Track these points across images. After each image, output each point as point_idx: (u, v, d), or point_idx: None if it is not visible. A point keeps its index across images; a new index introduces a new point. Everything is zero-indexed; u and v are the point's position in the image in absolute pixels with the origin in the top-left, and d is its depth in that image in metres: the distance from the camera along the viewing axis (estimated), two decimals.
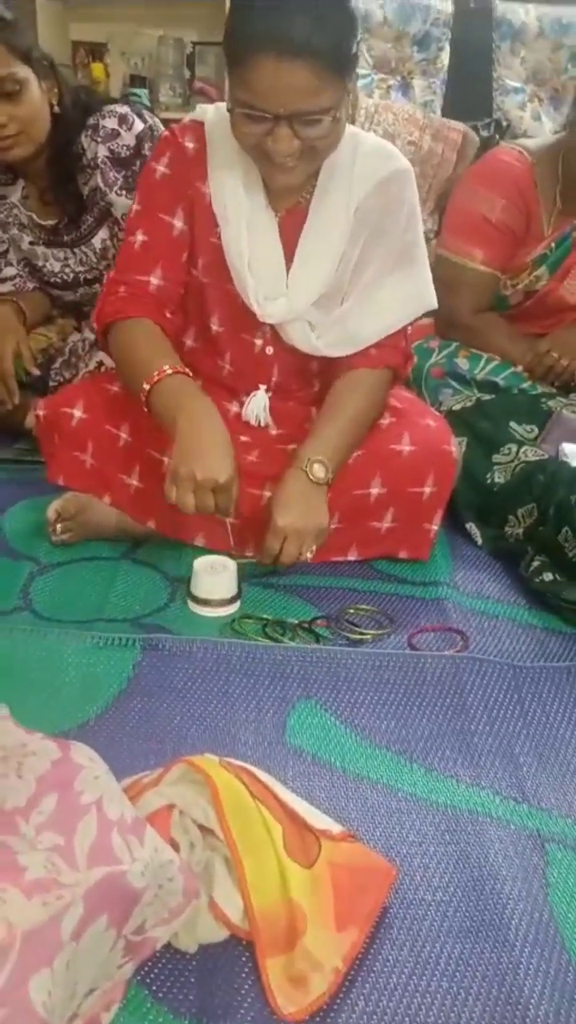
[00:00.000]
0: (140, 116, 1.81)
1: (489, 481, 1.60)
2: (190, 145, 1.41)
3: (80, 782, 0.80)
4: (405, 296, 1.45)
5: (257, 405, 1.53)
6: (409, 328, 1.50)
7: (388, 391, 1.50)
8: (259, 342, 1.51)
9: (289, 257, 1.43)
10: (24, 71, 1.66)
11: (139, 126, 1.78)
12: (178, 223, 1.44)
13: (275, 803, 0.95)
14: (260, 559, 1.40)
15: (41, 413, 1.54)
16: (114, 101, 1.85)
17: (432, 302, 1.48)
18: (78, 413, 1.51)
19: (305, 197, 1.41)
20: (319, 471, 1.36)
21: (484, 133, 2.95)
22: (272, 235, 1.41)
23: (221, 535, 1.45)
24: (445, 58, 3.05)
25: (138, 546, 1.57)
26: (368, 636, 1.36)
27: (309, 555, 1.38)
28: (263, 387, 1.54)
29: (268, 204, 1.41)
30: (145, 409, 1.35)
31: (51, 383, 1.92)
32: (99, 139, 1.76)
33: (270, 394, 1.54)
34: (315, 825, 0.95)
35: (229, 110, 1.25)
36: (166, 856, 0.80)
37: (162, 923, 0.81)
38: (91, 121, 1.77)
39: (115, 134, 1.76)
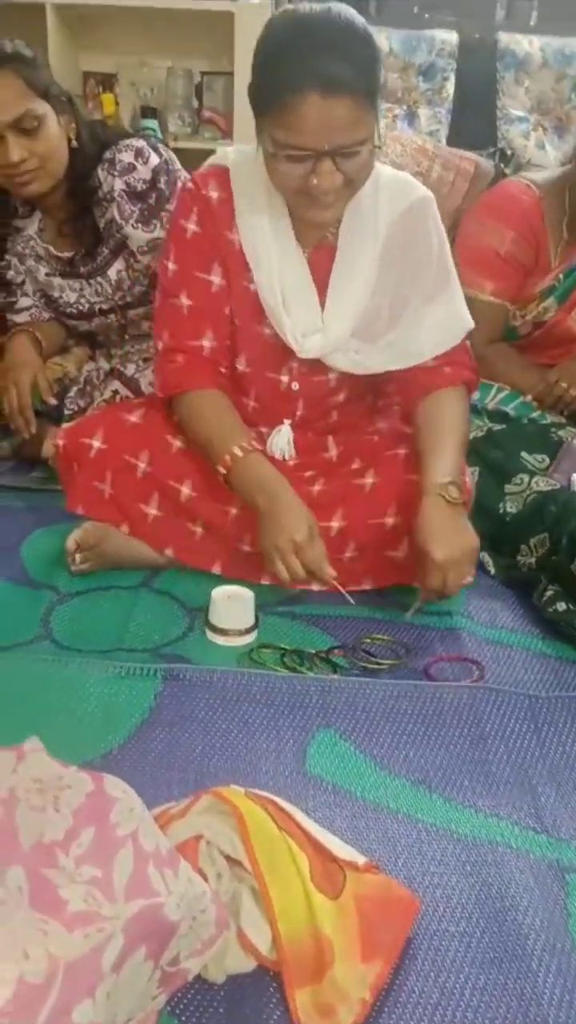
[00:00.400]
0: (155, 150, 1.85)
1: (501, 511, 1.62)
2: (214, 195, 1.44)
3: (115, 815, 0.81)
4: (447, 316, 1.49)
5: (282, 439, 1.55)
6: (468, 342, 1.54)
7: (468, 406, 1.54)
8: (285, 379, 1.54)
9: (321, 292, 1.46)
10: (43, 107, 1.70)
11: (154, 160, 1.82)
12: (216, 279, 1.46)
13: (300, 834, 0.97)
14: (424, 596, 1.41)
15: (61, 442, 1.57)
16: (130, 135, 1.89)
17: (468, 321, 1.52)
18: (97, 443, 1.53)
19: (332, 232, 1.45)
20: (454, 491, 1.39)
21: (489, 162, 2.99)
22: (303, 273, 1.45)
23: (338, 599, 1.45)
24: (450, 88, 3.11)
25: (156, 575, 1.60)
26: (384, 666, 1.38)
27: (470, 579, 1.38)
28: (287, 422, 1.56)
29: (297, 242, 1.44)
30: (225, 486, 1.44)
31: (66, 412, 1.95)
32: (115, 173, 1.79)
33: (294, 429, 1.56)
34: (340, 856, 0.97)
35: (271, 154, 1.27)
36: (199, 888, 0.82)
37: (195, 954, 0.82)
38: (107, 155, 1.80)
39: (131, 168, 1.79)
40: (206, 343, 1.48)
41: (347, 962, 0.88)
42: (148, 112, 3.03)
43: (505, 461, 1.67)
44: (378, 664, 1.38)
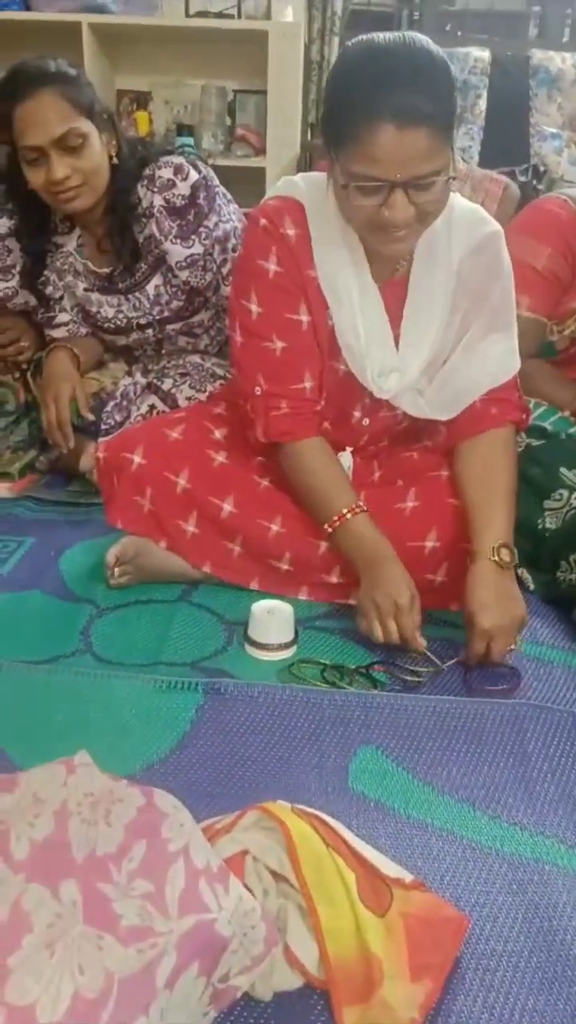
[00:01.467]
0: (195, 166, 1.87)
1: (540, 527, 1.61)
2: (291, 232, 1.41)
3: (166, 830, 0.81)
4: (504, 352, 1.48)
5: (343, 465, 1.54)
6: (518, 380, 1.52)
7: (516, 446, 1.53)
8: (357, 415, 1.54)
9: (392, 327, 1.45)
10: (86, 125, 1.73)
11: (194, 176, 1.84)
12: (304, 317, 1.44)
13: (347, 851, 0.96)
14: (467, 659, 1.39)
15: (102, 455, 1.58)
16: (170, 152, 1.91)
17: (518, 363, 1.51)
18: (138, 459, 1.54)
19: (403, 265, 1.43)
20: (506, 555, 1.39)
21: (522, 178, 3.00)
22: (379, 310, 1.44)
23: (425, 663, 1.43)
24: (483, 105, 3.13)
25: (194, 589, 1.60)
26: (421, 676, 1.37)
27: (515, 646, 1.39)
28: (350, 450, 1.56)
29: (373, 282, 1.43)
30: (329, 541, 1.47)
31: (103, 427, 1.96)
32: (155, 189, 1.81)
33: (356, 457, 1.57)
34: (387, 873, 0.96)
35: (343, 186, 1.26)
36: (249, 904, 0.82)
37: (245, 971, 0.82)
38: (147, 172, 1.83)
39: (170, 184, 1.82)
40: (307, 384, 1.46)
41: (396, 981, 0.87)
42: (184, 129, 3.07)
43: (544, 477, 1.66)
44: (416, 674, 1.37)
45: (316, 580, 1.53)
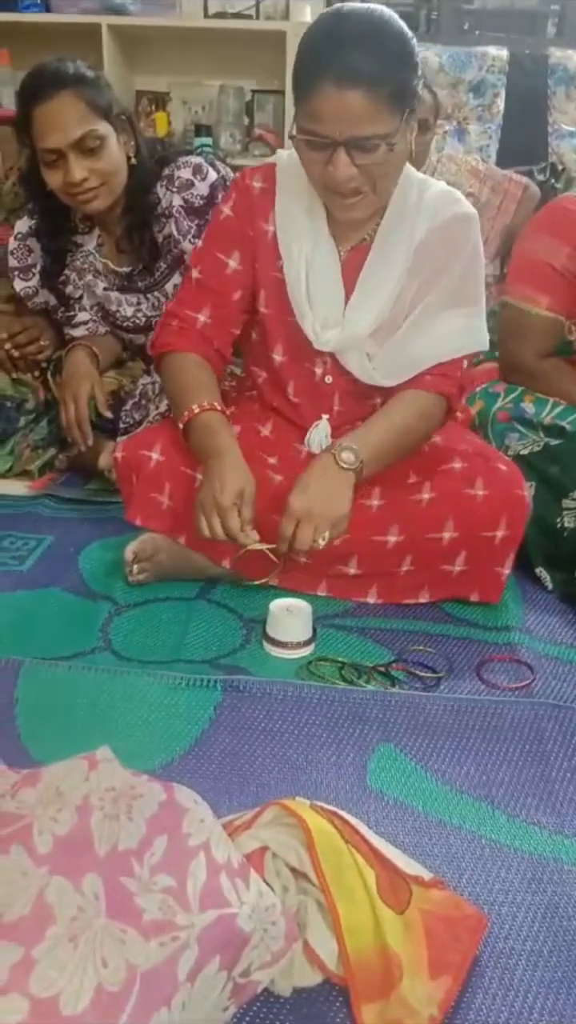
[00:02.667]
0: (213, 166, 1.88)
1: (559, 526, 1.61)
2: (257, 185, 1.50)
3: (187, 824, 0.82)
4: (458, 329, 1.49)
5: (319, 433, 1.58)
6: (464, 362, 1.53)
7: (439, 417, 1.53)
8: (319, 371, 1.56)
9: (350, 291, 1.49)
10: (104, 127, 1.74)
11: (212, 176, 1.85)
12: (232, 263, 1.52)
13: (366, 848, 0.96)
14: (277, 544, 1.39)
15: (120, 455, 1.59)
16: (189, 152, 1.92)
17: (484, 343, 1.52)
18: (156, 455, 1.55)
19: (370, 235, 1.48)
20: (348, 456, 1.39)
21: (539, 177, 2.98)
22: (333, 268, 1.48)
23: (263, 564, 1.44)
24: (501, 104, 3.11)
25: (212, 586, 1.61)
26: (429, 677, 1.37)
27: (322, 542, 1.36)
28: (325, 416, 1.58)
29: (331, 239, 1.48)
30: (185, 442, 1.48)
31: (121, 425, 1.98)
32: (174, 189, 1.82)
33: (332, 426, 1.58)
34: (406, 870, 0.96)
35: (291, 137, 1.32)
36: (270, 900, 0.82)
37: (265, 966, 0.82)
38: (166, 172, 1.84)
39: (189, 184, 1.83)
40: (201, 317, 1.53)
41: (416, 978, 0.87)
42: (202, 130, 3.07)
43: (562, 476, 1.66)
44: (427, 675, 1.37)
45: (334, 572, 1.54)
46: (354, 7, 1.29)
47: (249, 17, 3.17)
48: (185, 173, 1.83)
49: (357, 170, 1.30)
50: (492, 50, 3.06)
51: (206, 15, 3.18)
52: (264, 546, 1.38)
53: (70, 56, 1.76)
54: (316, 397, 1.58)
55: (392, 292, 1.47)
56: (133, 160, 1.82)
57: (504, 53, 3.05)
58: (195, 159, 1.86)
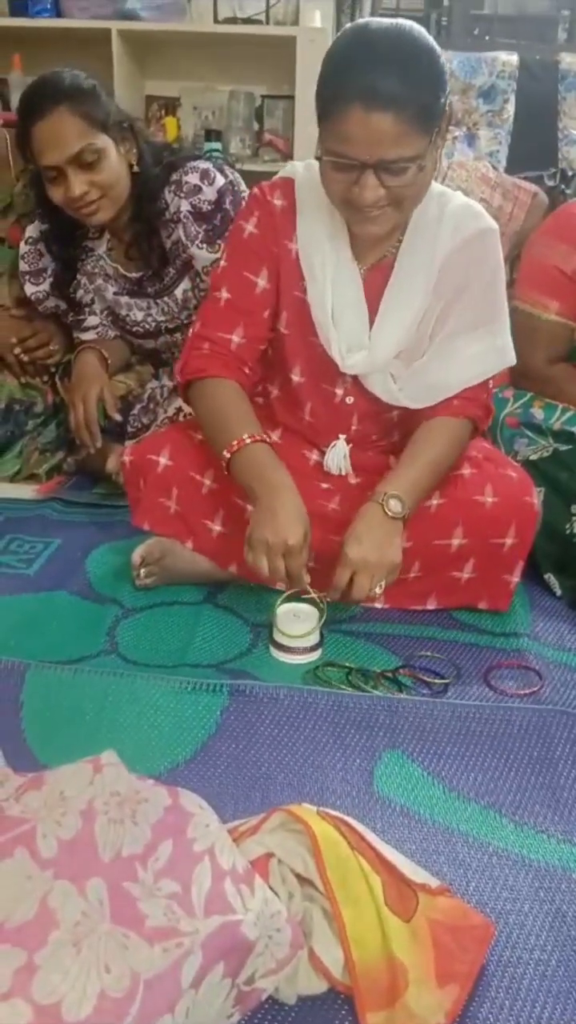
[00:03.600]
0: (221, 171, 1.87)
1: (568, 532, 1.60)
2: (278, 203, 1.46)
3: (192, 830, 0.81)
4: (485, 350, 1.47)
5: (337, 454, 1.56)
6: (490, 382, 1.51)
7: (468, 442, 1.51)
8: (339, 392, 1.54)
9: (373, 310, 1.46)
10: (102, 140, 1.72)
11: (220, 181, 1.84)
12: (262, 282, 1.48)
13: (373, 855, 0.96)
14: (330, 594, 1.38)
15: (128, 459, 1.58)
16: (197, 156, 1.91)
17: (511, 359, 1.50)
18: (164, 460, 1.55)
19: (391, 252, 1.45)
20: (395, 506, 1.37)
21: (549, 183, 2.98)
22: (356, 288, 1.45)
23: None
24: (511, 109, 3.10)
25: (219, 591, 1.60)
26: (437, 684, 1.37)
27: (379, 591, 1.36)
28: (343, 436, 1.56)
29: (353, 259, 1.45)
30: (225, 472, 1.42)
31: (130, 429, 1.98)
32: (182, 194, 1.81)
33: (350, 444, 1.56)
34: (412, 878, 0.95)
35: (317, 158, 1.30)
36: (275, 907, 0.81)
37: (270, 973, 0.82)
38: (174, 177, 1.83)
39: (197, 189, 1.81)
40: (235, 338, 1.48)
41: (422, 987, 0.86)
42: (212, 135, 3.07)
43: (571, 482, 1.65)
44: (436, 681, 1.37)
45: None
46: (380, 24, 1.25)
47: (259, 22, 3.17)
48: (193, 178, 1.82)
49: (385, 192, 1.27)
50: (502, 55, 3.06)
51: (216, 20, 3.18)
52: (315, 593, 1.38)
53: (69, 67, 1.74)
54: (334, 417, 1.56)
55: (417, 313, 1.44)
56: (136, 168, 1.82)
57: (514, 58, 3.05)
58: (203, 164, 1.84)
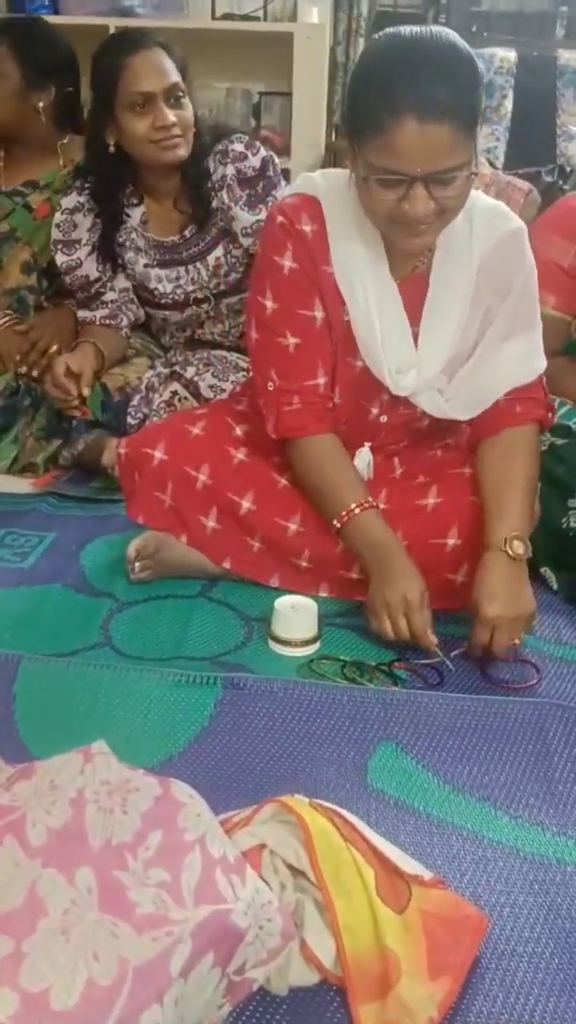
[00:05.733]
0: (263, 147, 2.00)
1: (564, 525, 1.59)
2: (307, 228, 1.39)
3: (183, 819, 0.81)
4: (525, 351, 1.45)
5: (361, 462, 1.52)
6: (544, 378, 1.49)
7: (539, 441, 1.50)
8: (375, 411, 1.51)
9: (412, 324, 1.43)
10: (183, 84, 1.87)
11: (263, 152, 1.98)
12: (318, 314, 1.43)
13: (365, 846, 0.95)
14: (470, 649, 1.38)
15: (123, 452, 1.58)
16: (241, 131, 2.03)
17: (543, 363, 1.48)
18: (159, 454, 1.54)
19: (422, 262, 1.42)
20: (519, 547, 1.36)
21: (547, 179, 2.98)
22: (397, 307, 1.42)
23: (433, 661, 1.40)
24: (508, 105, 3.11)
25: (214, 584, 1.60)
26: (435, 657, 1.37)
27: (519, 642, 1.37)
28: (368, 445, 1.54)
29: (391, 276, 1.41)
30: (337, 538, 1.45)
31: (131, 421, 1.98)
32: (227, 161, 1.93)
33: (372, 450, 1.54)
34: (405, 870, 0.95)
35: (363, 178, 1.25)
36: (266, 896, 0.81)
37: (260, 964, 0.81)
38: (219, 147, 1.95)
39: (242, 156, 1.94)
40: (320, 380, 1.45)
41: (414, 979, 0.86)
42: None
43: (568, 475, 1.64)
44: (431, 656, 1.37)
45: (335, 576, 1.52)
46: (414, 32, 1.21)
47: (257, 19, 3.17)
48: (238, 146, 1.94)
49: (434, 204, 1.24)
50: (500, 52, 3.06)
51: (214, 17, 3.18)
52: (440, 653, 1.37)
53: None
54: (363, 431, 1.53)
55: (459, 323, 1.42)
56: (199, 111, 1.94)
57: (512, 55, 3.06)
58: (245, 137, 1.98)
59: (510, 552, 1.35)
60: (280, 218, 1.41)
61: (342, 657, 1.40)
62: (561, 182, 2.98)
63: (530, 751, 1.22)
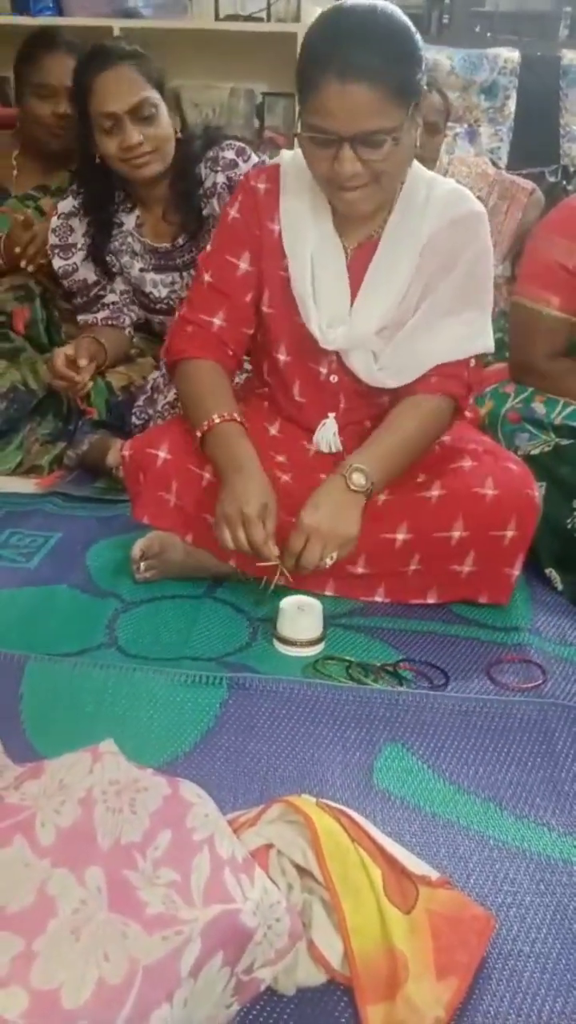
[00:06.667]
0: (255, 153, 1.98)
1: (569, 526, 1.59)
2: (262, 186, 1.50)
3: (191, 819, 0.81)
4: (464, 331, 1.48)
5: (327, 432, 1.57)
6: (472, 361, 1.51)
7: (448, 419, 1.51)
8: (324, 370, 1.55)
9: (356, 289, 1.48)
10: (157, 97, 1.85)
11: (255, 159, 1.95)
12: (243, 264, 1.52)
13: (372, 846, 0.95)
14: (283, 560, 1.38)
15: (127, 453, 1.58)
16: (234, 138, 2.01)
17: (489, 346, 1.51)
18: (163, 454, 1.54)
19: (377, 231, 1.47)
20: (358, 479, 1.37)
21: (551, 179, 2.98)
22: (338, 266, 1.47)
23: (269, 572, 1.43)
24: (512, 106, 3.11)
25: (219, 585, 1.60)
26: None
27: (329, 562, 1.36)
28: (332, 415, 1.58)
29: (337, 235, 1.47)
30: (200, 450, 1.47)
31: (136, 421, 1.98)
32: (218, 168, 1.92)
33: (340, 424, 1.57)
34: (413, 870, 0.95)
35: (295, 134, 1.33)
36: (275, 896, 0.81)
37: (268, 963, 0.81)
38: (210, 154, 1.94)
39: (233, 164, 1.93)
40: (216, 321, 1.53)
41: (422, 979, 0.86)
42: None
43: (573, 476, 1.64)
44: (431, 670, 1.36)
45: (341, 573, 1.53)
46: (356, 3, 1.29)
47: (260, 19, 3.17)
48: (229, 154, 1.93)
49: (362, 166, 1.29)
50: (504, 52, 3.06)
51: (217, 18, 3.18)
52: (276, 562, 1.37)
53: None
54: (321, 396, 1.57)
55: (399, 290, 1.46)
56: (179, 134, 1.92)
57: (516, 55, 3.05)
58: (238, 143, 1.96)
59: (348, 480, 1.37)
60: (243, 177, 1.57)
61: (347, 657, 1.40)
62: (565, 182, 2.99)
63: (536, 751, 1.22)
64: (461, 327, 1.47)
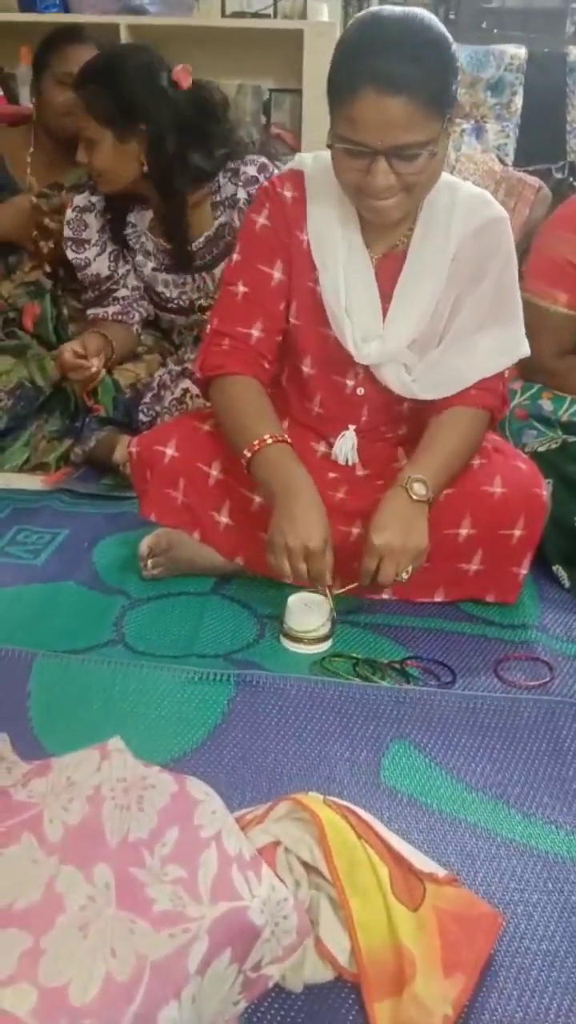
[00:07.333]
0: (277, 168, 1.97)
1: None
2: (288, 194, 1.46)
3: (199, 816, 0.81)
4: (502, 343, 1.46)
5: (345, 445, 1.55)
6: (506, 372, 1.50)
7: (484, 432, 1.50)
8: (351, 383, 1.53)
9: (385, 300, 1.45)
10: (96, 131, 1.86)
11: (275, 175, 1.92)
12: (277, 274, 1.48)
13: (380, 844, 0.95)
14: (359, 581, 1.38)
15: (134, 450, 1.58)
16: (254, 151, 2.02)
17: (525, 350, 1.49)
18: (170, 451, 1.54)
19: (402, 240, 1.44)
20: (420, 489, 1.36)
21: (558, 175, 2.97)
22: (369, 278, 1.44)
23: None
24: (519, 102, 3.08)
25: (226, 582, 1.60)
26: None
27: (405, 576, 1.35)
28: (352, 427, 1.56)
29: (365, 247, 1.44)
30: (246, 472, 1.41)
31: (142, 418, 1.99)
32: (239, 183, 1.95)
33: (359, 435, 1.56)
34: (420, 868, 0.95)
35: (329, 146, 1.30)
36: (282, 893, 0.81)
37: (276, 960, 0.81)
38: (231, 165, 1.95)
39: (255, 180, 1.93)
40: (254, 332, 1.48)
41: (429, 976, 0.86)
42: None
43: None
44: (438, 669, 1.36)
45: (348, 570, 1.52)
46: (392, 11, 1.26)
47: (267, 16, 3.16)
48: (251, 170, 1.94)
49: (396, 179, 1.27)
50: (511, 48, 3.04)
51: (224, 15, 3.18)
52: (343, 589, 1.38)
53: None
54: (344, 408, 1.55)
55: (431, 302, 1.44)
56: (145, 168, 1.89)
57: (522, 51, 3.03)
58: (260, 158, 1.97)
59: (410, 492, 1.35)
60: (267, 184, 1.51)
61: (354, 655, 1.40)
62: (572, 179, 2.97)
63: (543, 749, 1.22)
64: (495, 341, 1.46)
